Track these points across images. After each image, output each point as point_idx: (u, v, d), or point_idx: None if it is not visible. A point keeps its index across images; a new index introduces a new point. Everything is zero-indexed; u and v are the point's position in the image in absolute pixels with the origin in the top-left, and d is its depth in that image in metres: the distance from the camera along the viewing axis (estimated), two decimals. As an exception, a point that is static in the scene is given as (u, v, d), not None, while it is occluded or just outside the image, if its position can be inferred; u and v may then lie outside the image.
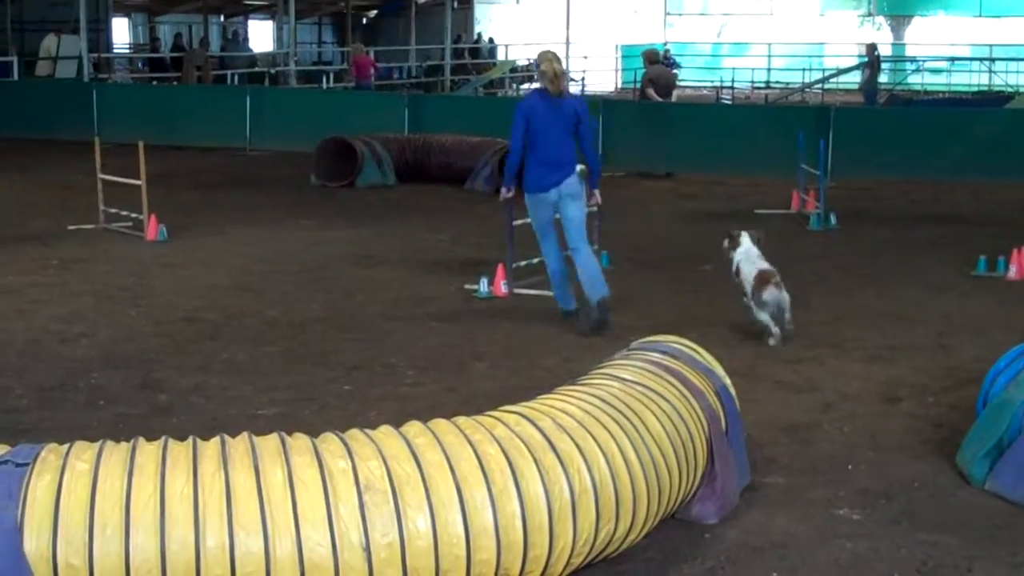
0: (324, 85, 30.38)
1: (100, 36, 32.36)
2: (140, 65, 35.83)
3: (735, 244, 9.37)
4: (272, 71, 31.72)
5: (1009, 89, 35.37)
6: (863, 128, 19.00)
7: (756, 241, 9.37)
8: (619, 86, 42.19)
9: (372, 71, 26.55)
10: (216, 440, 4.51)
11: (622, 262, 11.65)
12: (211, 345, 8.77)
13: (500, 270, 10.47)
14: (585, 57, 42.16)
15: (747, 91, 39.13)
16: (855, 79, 34.02)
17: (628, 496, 4.83)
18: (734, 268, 9.31)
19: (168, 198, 14.70)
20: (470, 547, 4.39)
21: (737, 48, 47.37)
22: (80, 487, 4.16)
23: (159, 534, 4.11)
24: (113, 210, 13.40)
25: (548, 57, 9.47)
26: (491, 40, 42.38)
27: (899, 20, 46.45)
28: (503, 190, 9.77)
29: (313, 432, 4.76)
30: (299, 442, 4.54)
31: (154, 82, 31.09)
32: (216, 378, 7.96)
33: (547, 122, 9.27)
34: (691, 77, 44.61)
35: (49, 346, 8.70)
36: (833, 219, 14.22)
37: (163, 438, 4.51)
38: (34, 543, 4.05)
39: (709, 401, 5.69)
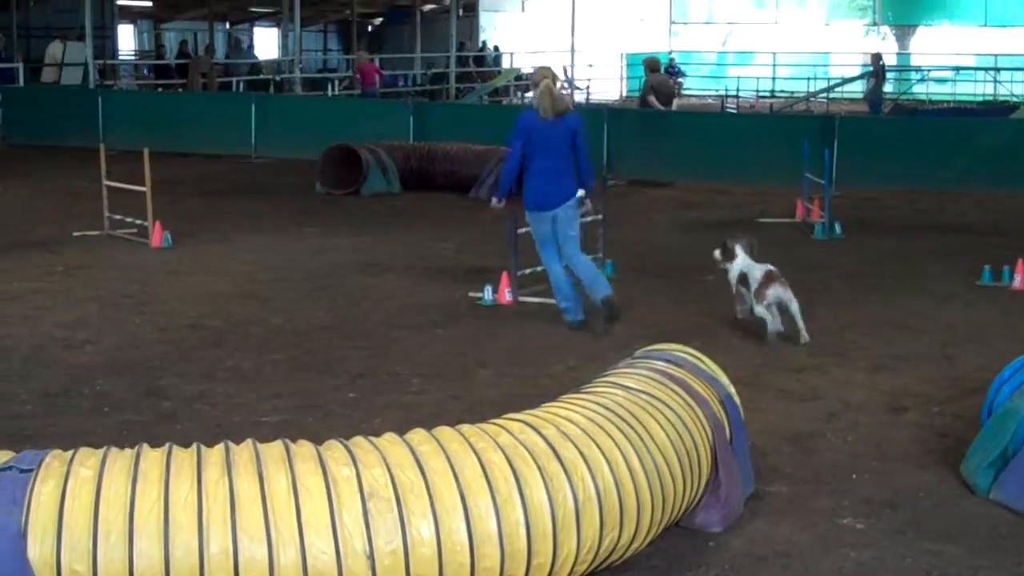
0: (329, 92, 30.40)
1: (106, 43, 32.40)
2: (145, 72, 35.85)
3: (730, 256, 9.42)
4: (277, 78, 31.75)
5: (1014, 99, 35.39)
6: (868, 137, 19.00)
7: (750, 250, 9.44)
8: (624, 94, 42.18)
9: (377, 78, 26.57)
10: (220, 447, 4.51)
11: (626, 271, 11.65)
12: (216, 352, 8.78)
13: (504, 278, 10.48)
14: (590, 65, 42.16)
15: (752, 100, 39.12)
16: (860, 88, 34.04)
17: (632, 504, 4.83)
18: (735, 279, 9.38)
19: (173, 205, 14.72)
20: (474, 555, 4.39)
21: (742, 57, 47.37)
22: (84, 493, 4.16)
23: (163, 541, 4.11)
24: (118, 217, 13.42)
25: (546, 74, 9.55)
26: (496, 48, 42.40)
27: (904, 29, 46.46)
28: (494, 199, 9.80)
29: (317, 439, 4.76)
30: (303, 449, 4.54)
31: (159, 89, 31.10)
32: (220, 385, 7.96)
33: (546, 139, 9.36)
34: (696, 86, 44.65)
35: (54, 352, 8.71)
36: (838, 228, 14.22)
37: (167, 445, 4.51)
38: (38, 549, 4.05)
39: (713, 410, 5.69)
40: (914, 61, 44.53)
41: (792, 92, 40.49)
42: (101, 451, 4.42)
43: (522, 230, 10.20)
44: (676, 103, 22.30)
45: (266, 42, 44.90)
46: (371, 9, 44.44)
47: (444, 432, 4.79)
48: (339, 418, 7.27)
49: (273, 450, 4.50)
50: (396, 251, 12.97)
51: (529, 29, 45.21)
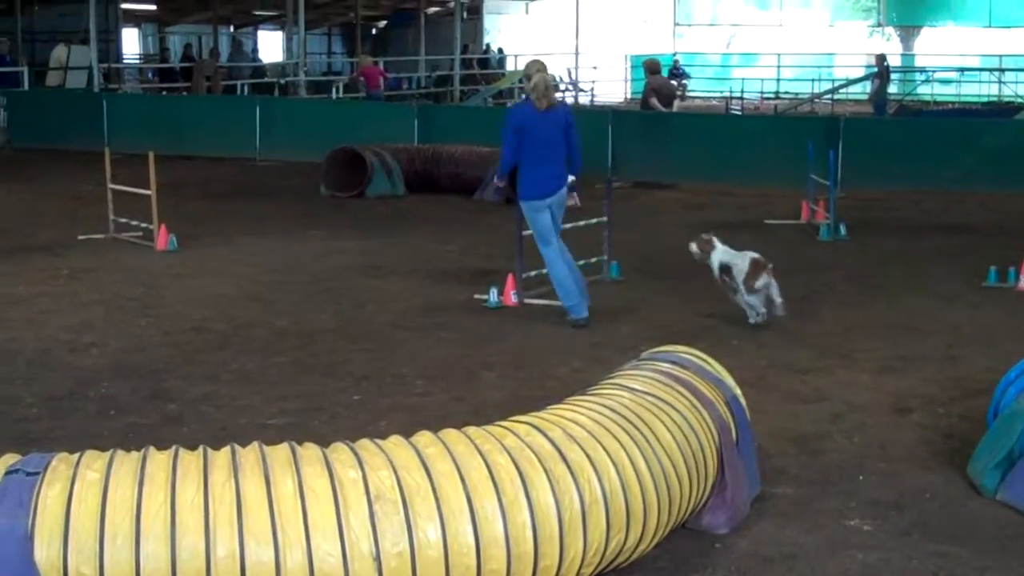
0: (334, 95, 30.41)
1: (110, 46, 32.41)
2: (150, 75, 35.91)
3: (708, 247, 9.86)
4: (282, 81, 31.77)
5: (1019, 100, 35.37)
6: (873, 139, 19.00)
7: (724, 240, 9.91)
8: (628, 96, 42.18)
9: (381, 81, 26.58)
10: (226, 450, 4.51)
11: (631, 272, 11.66)
12: (221, 355, 8.78)
13: (510, 280, 10.48)
14: (594, 67, 42.18)
15: (756, 101, 39.11)
16: (865, 90, 34.01)
17: (638, 506, 4.83)
18: (718, 268, 9.78)
19: (178, 208, 14.72)
20: (480, 557, 4.38)
21: (746, 59, 47.35)
22: (91, 496, 4.16)
23: (170, 543, 4.11)
24: (123, 220, 13.43)
25: (539, 68, 9.79)
26: (500, 50, 42.42)
27: (908, 31, 46.41)
28: (496, 179, 10.36)
29: (323, 442, 4.76)
30: (309, 452, 4.54)
31: (164, 92, 31.16)
32: (226, 388, 7.97)
33: (541, 130, 9.63)
34: (700, 87, 44.62)
35: (59, 356, 8.72)
36: (843, 229, 14.20)
37: (173, 447, 4.51)
38: (45, 552, 4.05)
39: (719, 411, 5.68)
40: (918, 62, 44.46)
41: (797, 93, 40.50)
42: (107, 454, 4.42)
43: (528, 232, 10.22)
44: (677, 104, 22.31)
45: (270, 45, 44.94)
46: (375, 12, 44.48)
47: (450, 434, 4.79)
48: (345, 420, 7.27)
49: (279, 453, 4.51)
50: (401, 253, 12.97)
51: (533, 31, 45.21)
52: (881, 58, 28.69)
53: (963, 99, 38.51)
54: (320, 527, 4.23)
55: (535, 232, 9.86)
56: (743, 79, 41.72)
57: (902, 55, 45.13)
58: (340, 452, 4.56)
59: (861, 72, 38.51)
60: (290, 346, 9.07)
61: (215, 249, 13.09)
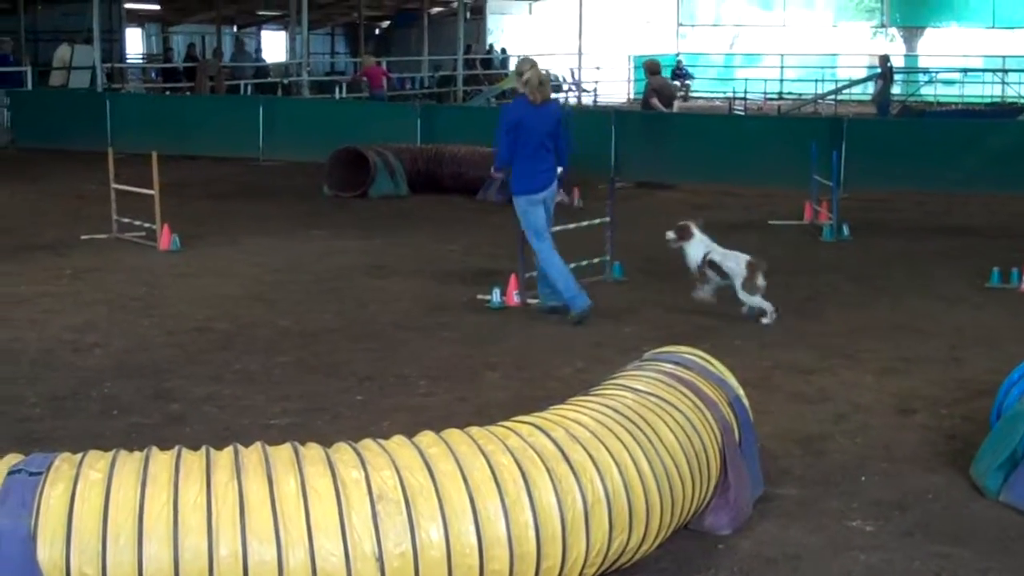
0: (337, 95, 30.43)
1: (113, 46, 32.44)
2: (153, 75, 35.92)
3: (686, 234, 10.07)
4: (285, 81, 31.77)
5: (1022, 101, 35.32)
6: (876, 139, 18.99)
7: (702, 229, 10.12)
8: (631, 97, 42.19)
9: (384, 81, 26.58)
10: (229, 450, 4.51)
11: (634, 273, 11.66)
12: (224, 355, 8.78)
13: (512, 280, 10.48)
14: (597, 68, 42.17)
15: (760, 102, 39.11)
16: (868, 90, 34.01)
17: (641, 507, 4.83)
18: (696, 261, 9.99)
19: (181, 208, 14.73)
20: (483, 557, 4.39)
21: (749, 59, 47.37)
22: (93, 496, 4.16)
23: (172, 543, 4.11)
24: (126, 220, 13.43)
25: (532, 64, 9.97)
26: (503, 51, 42.43)
27: (912, 31, 46.41)
28: (493, 170, 10.71)
29: (326, 442, 4.76)
30: (312, 452, 4.54)
31: (167, 92, 31.17)
32: (229, 388, 7.97)
33: (536, 125, 9.80)
34: (703, 88, 44.63)
35: (62, 355, 8.72)
36: (846, 230, 14.20)
37: (176, 447, 4.52)
38: (47, 552, 4.06)
39: (722, 412, 5.68)
40: (922, 63, 44.47)
41: (800, 94, 40.49)
42: (110, 454, 4.42)
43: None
44: (677, 105, 22.33)
45: (274, 45, 44.95)
46: (378, 12, 44.49)
47: (453, 434, 4.79)
48: (347, 420, 7.27)
49: (282, 453, 4.51)
50: (404, 253, 12.97)
51: (536, 31, 45.23)
52: (884, 59, 28.73)
53: (966, 100, 38.50)
54: (323, 527, 4.23)
55: (529, 228, 9.96)
56: (746, 79, 41.76)
57: (905, 56, 45.13)
58: (343, 452, 4.57)
59: (864, 73, 38.51)
60: (293, 346, 9.07)
61: (218, 249, 13.10)
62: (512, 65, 40.15)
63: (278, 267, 12.10)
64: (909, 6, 46.19)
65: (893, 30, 46.63)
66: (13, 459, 4.35)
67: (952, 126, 21.79)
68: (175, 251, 12.84)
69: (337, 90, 31.32)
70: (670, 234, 10.21)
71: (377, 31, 46.18)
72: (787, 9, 47.92)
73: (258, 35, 44.76)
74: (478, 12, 43.35)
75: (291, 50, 36.71)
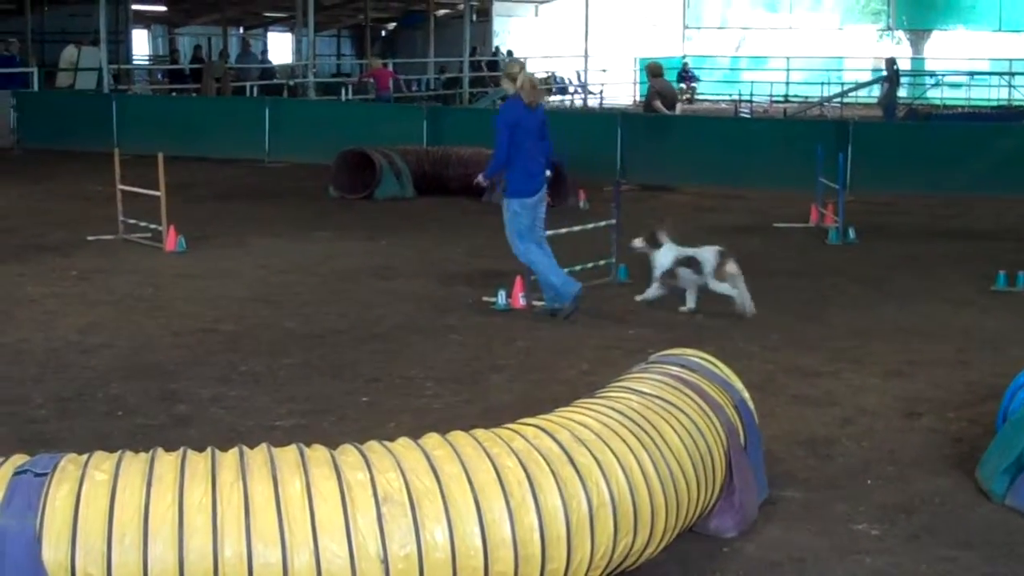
0: (343, 97, 30.46)
1: (120, 47, 32.51)
2: (160, 76, 35.97)
3: (657, 242, 10.37)
4: (291, 83, 31.81)
5: (1028, 104, 35.31)
6: (882, 142, 18.98)
7: (672, 236, 10.48)
8: (637, 99, 42.18)
9: (392, 82, 26.61)
10: (235, 451, 4.51)
11: (639, 275, 11.62)
12: (229, 356, 8.79)
13: (518, 282, 10.48)
14: (603, 70, 42.20)
15: (766, 104, 39.10)
16: (874, 93, 33.99)
17: (646, 509, 4.82)
18: (664, 264, 10.27)
19: (187, 209, 14.75)
20: (488, 559, 4.38)
21: (756, 62, 47.34)
22: (99, 497, 4.16)
23: (177, 544, 4.11)
24: (132, 221, 13.44)
25: (521, 66, 10.26)
26: (509, 53, 42.43)
27: (918, 34, 46.37)
28: (480, 177, 10.57)
29: (331, 444, 4.76)
30: (317, 453, 4.54)
31: (173, 93, 31.20)
32: (234, 389, 7.97)
33: (530, 127, 9.95)
34: (709, 90, 44.63)
35: (68, 356, 8.72)
36: (852, 233, 14.19)
37: (182, 449, 4.52)
38: (53, 553, 4.06)
39: (727, 415, 5.68)
40: (928, 66, 44.44)
41: (806, 97, 40.49)
42: (116, 455, 4.43)
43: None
44: (680, 108, 22.35)
45: (280, 47, 45.00)
46: (384, 14, 44.52)
47: (458, 437, 4.79)
48: (353, 422, 7.27)
49: (287, 454, 4.51)
50: (409, 255, 12.98)
51: (542, 34, 45.26)
52: (891, 61, 28.67)
53: (972, 103, 38.46)
54: (328, 529, 4.23)
55: (515, 229, 10.08)
56: (752, 82, 41.77)
57: (912, 59, 45.09)
58: (348, 454, 4.56)
59: (869, 76, 38.49)
60: (299, 348, 9.07)
61: (224, 250, 13.11)
62: (516, 68, 40.15)
63: (284, 269, 12.11)
64: (916, 9, 46.17)
65: (899, 33, 46.60)
66: (19, 460, 4.35)
67: (958, 129, 21.80)
68: (181, 252, 12.85)
69: (343, 92, 31.35)
70: (637, 242, 10.49)
71: (383, 33, 46.21)
72: (793, 12, 47.92)
73: (264, 37, 44.82)
74: (484, 14, 43.40)
75: (297, 52, 36.76)
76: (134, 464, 4.34)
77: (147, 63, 39.71)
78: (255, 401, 7.72)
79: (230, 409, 7.56)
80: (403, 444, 4.70)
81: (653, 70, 20.62)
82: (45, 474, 4.22)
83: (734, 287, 10.10)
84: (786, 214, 16.00)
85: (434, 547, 4.31)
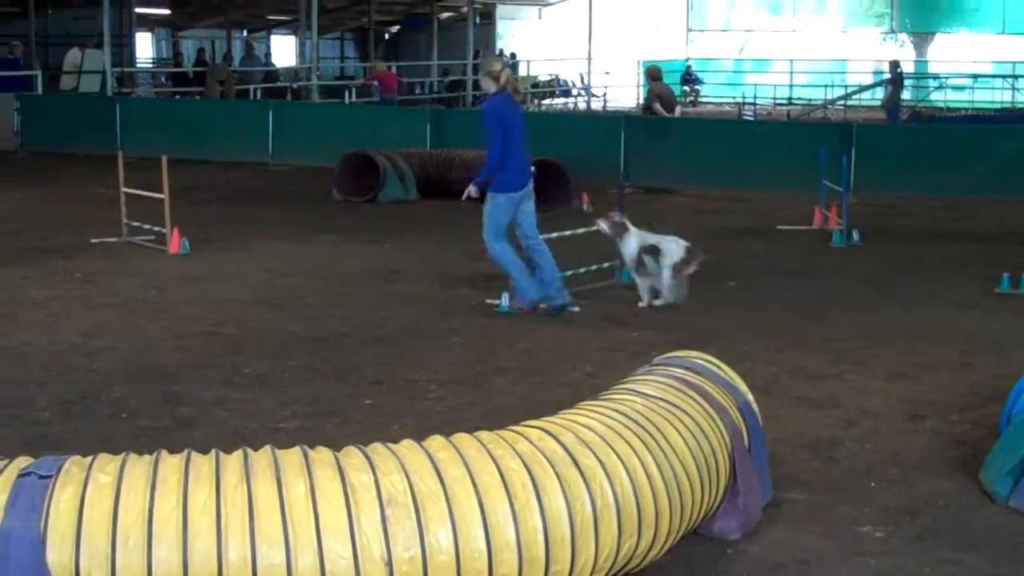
0: (346, 100, 30.48)
1: (124, 50, 32.52)
2: (163, 79, 36.02)
3: (621, 229, 10.45)
4: (294, 86, 31.83)
5: (1032, 106, 35.30)
6: (886, 145, 18.99)
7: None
8: (640, 102, 42.19)
9: (397, 85, 26.65)
10: (239, 453, 4.51)
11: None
12: (233, 359, 8.79)
13: (520, 284, 10.47)
14: (607, 73, 42.20)
15: (769, 107, 39.10)
16: (878, 96, 33.98)
17: (650, 511, 4.82)
18: (632, 249, 10.32)
19: (191, 212, 14.76)
20: (492, 561, 4.38)
21: (759, 64, 47.33)
22: (103, 499, 4.16)
23: (181, 546, 4.11)
24: (136, 223, 13.45)
25: (503, 62, 10.38)
26: (513, 55, 42.45)
27: (922, 37, 46.34)
28: (473, 189, 10.20)
29: (335, 446, 4.76)
30: (321, 456, 4.54)
31: (177, 96, 31.23)
32: (238, 392, 7.97)
33: (516, 123, 10.00)
34: (713, 93, 44.62)
35: (72, 359, 8.73)
36: (856, 235, 14.18)
37: (186, 451, 4.52)
38: (57, 555, 4.06)
39: (732, 417, 5.67)
40: (932, 68, 44.40)
41: (809, 99, 40.47)
42: (120, 457, 4.43)
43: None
44: (679, 111, 22.38)
45: (284, 50, 45.04)
46: (388, 17, 44.56)
47: (462, 439, 4.79)
48: (356, 425, 7.27)
49: (291, 456, 4.51)
50: (413, 258, 12.98)
51: (546, 37, 45.25)
52: (894, 64, 28.69)
53: (976, 105, 38.45)
54: (332, 531, 4.22)
55: (494, 225, 10.08)
56: (756, 85, 41.78)
57: (915, 61, 45.06)
58: (352, 456, 4.56)
59: (873, 78, 38.47)
60: (302, 350, 9.07)
61: (228, 253, 13.11)
62: (521, 71, 40.26)
63: (287, 272, 12.11)
64: (919, 11, 46.13)
65: (903, 35, 46.56)
66: (23, 462, 4.35)
67: (962, 132, 21.78)
68: (184, 255, 12.85)
69: (347, 95, 31.38)
70: (603, 226, 10.54)
71: (387, 36, 46.25)
72: (797, 14, 47.89)
73: (268, 40, 44.87)
74: (488, 17, 43.43)
75: (301, 55, 36.81)
76: (138, 466, 4.34)
77: (151, 66, 39.75)
78: (259, 403, 7.72)
79: (234, 411, 7.56)
80: (407, 446, 4.70)
81: (653, 73, 20.66)
82: (49, 476, 4.22)
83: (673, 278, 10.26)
84: (790, 216, 15.99)
85: (438, 549, 4.31)
